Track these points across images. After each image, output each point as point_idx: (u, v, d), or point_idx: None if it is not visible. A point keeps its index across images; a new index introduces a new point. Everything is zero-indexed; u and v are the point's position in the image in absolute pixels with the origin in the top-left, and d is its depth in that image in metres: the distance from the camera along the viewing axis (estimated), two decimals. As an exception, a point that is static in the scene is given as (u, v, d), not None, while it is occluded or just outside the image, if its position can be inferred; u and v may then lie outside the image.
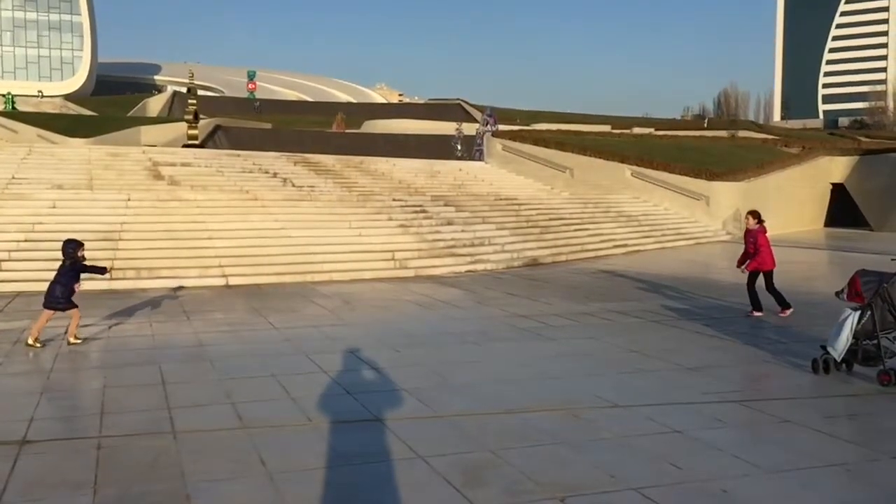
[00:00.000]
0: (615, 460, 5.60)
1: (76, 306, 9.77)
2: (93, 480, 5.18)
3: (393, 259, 17.68)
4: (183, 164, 22.80)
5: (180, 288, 14.56)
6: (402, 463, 5.51)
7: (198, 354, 9.19)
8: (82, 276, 10.01)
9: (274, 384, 7.72)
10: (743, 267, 12.22)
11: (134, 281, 14.89)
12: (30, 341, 9.44)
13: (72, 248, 9.75)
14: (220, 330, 10.82)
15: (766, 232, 12.44)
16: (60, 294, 9.61)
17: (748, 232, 12.39)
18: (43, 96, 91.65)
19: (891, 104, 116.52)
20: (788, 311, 11.98)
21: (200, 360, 8.89)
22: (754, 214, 12.52)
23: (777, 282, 12.27)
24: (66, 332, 9.88)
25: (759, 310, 12.06)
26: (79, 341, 9.70)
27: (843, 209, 36.39)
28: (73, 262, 9.74)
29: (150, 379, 7.92)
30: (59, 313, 9.70)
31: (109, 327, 10.91)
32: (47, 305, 9.65)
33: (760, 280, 12.24)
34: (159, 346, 9.64)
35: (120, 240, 16.40)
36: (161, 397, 7.21)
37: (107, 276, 9.77)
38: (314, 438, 6.05)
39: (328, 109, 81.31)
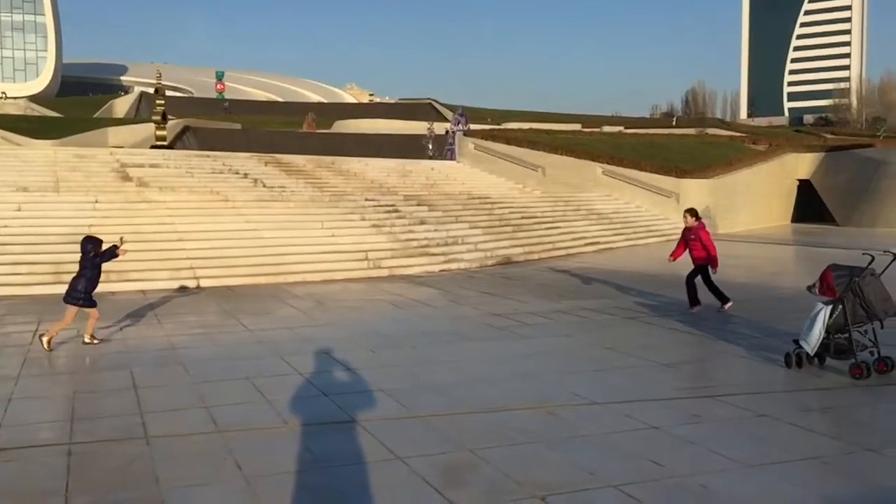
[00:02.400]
0: (594, 458, 5.60)
1: (95, 304, 9.72)
2: (64, 488, 5.06)
3: (366, 259, 17.59)
4: (151, 166, 22.50)
5: (151, 291, 14.35)
6: (380, 465, 5.45)
7: (170, 358, 9.06)
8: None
9: (248, 387, 7.62)
10: (710, 269, 12.27)
11: (103, 284, 14.41)
12: (87, 339, 9.58)
13: (91, 245, 9.72)
14: (192, 333, 10.68)
15: (706, 226, 12.56)
16: (83, 288, 9.59)
17: (687, 230, 12.43)
18: (6, 97, 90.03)
19: (854, 101, 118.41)
20: (697, 308, 12.09)
21: (173, 364, 8.76)
22: (692, 212, 12.61)
23: (746, 277, 12.41)
24: (36, 335, 9.69)
25: (697, 303, 12.12)
26: (95, 342, 9.63)
27: (809, 205, 36.92)
28: (95, 255, 9.71)
29: (122, 384, 7.77)
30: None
31: (79, 332, 10.68)
32: (69, 300, 9.60)
33: (725, 276, 12.33)
34: (130, 350, 9.49)
35: (88, 243, 16.12)
36: (133, 402, 7.07)
37: (122, 254, 9.95)
38: (290, 441, 5.97)
39: (298, 110, 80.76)
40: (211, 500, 4.91)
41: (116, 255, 10.06)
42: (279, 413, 6.73)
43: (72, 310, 9.61)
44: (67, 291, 9.69)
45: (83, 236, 9.98)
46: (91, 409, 6.88)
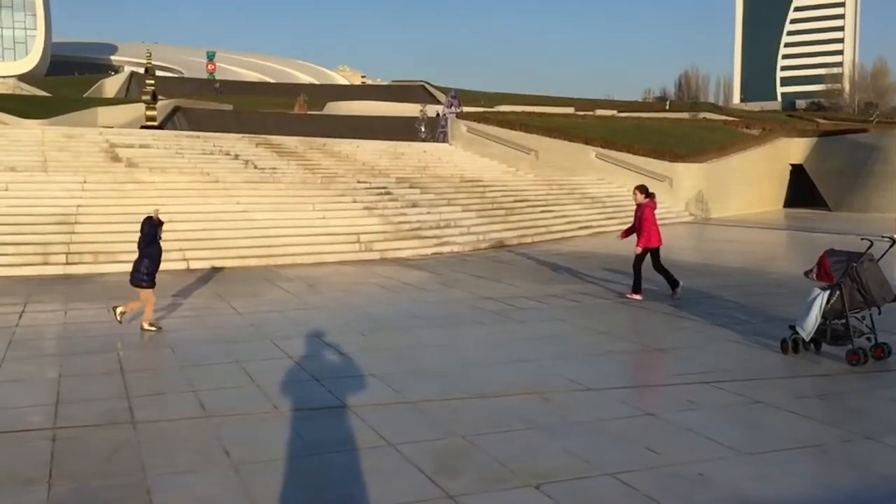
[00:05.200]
0: (590, 445, 5.50)
1: (154, 286, 9.56)
2: (47, 475, 4.93)
3: (358, 242, 17.45)
4: (141, 146, 22.25)
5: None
6: (371, 451, 5.34)
7: (159, 340, 8.94)
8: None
9: (238, 371, 7.50)
10: (637, 247, 11.86)
11: (91, 265, 14.50)
12: (144, 325, 9.37)
13: (149, 226, 9.54)
14: (181, 315, 10.53)
15: (655, 207, 12.08)
16: (146, 269, 9.43)
17: (637, 207, 12.04)
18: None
19: (847, 86, 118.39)
20: (678, 290, 11.77)
21: (161, 347, 8.63)
22: (642, 189, 12.17)
23: (740, 262, 12.27)
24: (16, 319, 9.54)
25: (639, 292, 11.76)
26: (153, 329, 9.39)
27: (801, 190, 36.91)
28: (147, 234, 9.54)
29: (109, 367, 7.64)
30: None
31: (66, 313, 10.57)
32: (135, 283, 9.47)
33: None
34: (118, 332, 9.32)
35: (76, 223, 15.95)
36: (120, 386, 6.94)
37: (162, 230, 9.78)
38: (280, 427, 5.86)
39: (290, 91, 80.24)
40: (198, 487, 4.79)
41: (160, 224, 9.84)
42: (269, 398, 6.61)
43: (146, 292, 9.47)
44: (132, 274, 9.55)
45: (144, 216, 9.80)
46: (77, 393, 6.74)
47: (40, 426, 5.88)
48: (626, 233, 12.47)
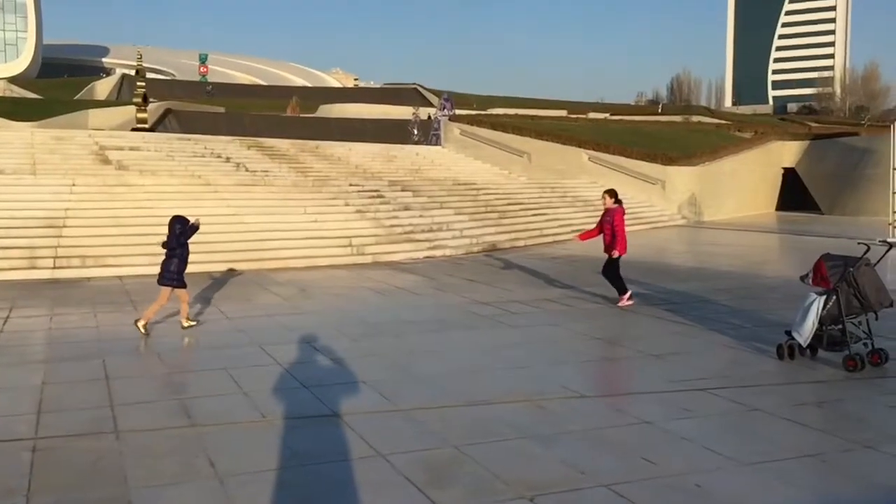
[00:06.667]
0: (584, 455, 5.38)
1: (186, 285, 9.69)
2: (26, 487, 4.78)
3: (350, 245, 17.31)
4: (131, 149, 22.06)
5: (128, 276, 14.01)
6: (361, 462, 5.21)
7: (145, 347, 8.76)
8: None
9: (226, 378, 7.35)
10: (614, 253, 11.41)
11: (79, 269, 14.30)
12: (184, 324, 9.57)
13: (180, 225, 9.58)
14: (169, 321, 10.34)
15: (624, 213, 11.77)
16: (175, 269, 9.50)
17: (606, 212, 11.70)
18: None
19: (838, 90, 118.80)
20: (627, 297, 11.40)
21: (148, 354, 8.48)
22: (611, 193, 11.80)
23: (732, 265, 12.13)
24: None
25: (626, 292, 11.48)
26: (193, 323, 9.57)
27: (794, 193, 36.91)
28: (182, 234, 9.58)
29: (94, 374, 7.48)
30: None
31: (51, 318, 10.40)
32: (164, 282, 9.50)
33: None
34: (104, 338, 9.18)
35: (64, 227, 15.76)
36: (104, 394, 6.79)
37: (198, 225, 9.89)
38: (268, 437, 5.71)
39: (283, 94, 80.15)
40: (181, 500, 4.65)
41: (197, 228, 9.86)
42: (257, 406, 6.47)
43: (166, 291, 9.52)
44: (161, 273, 9.58)
45: (172, 216, 9.80)
46: (59, 401, 6.58)
47: (21, 436, 5.72)
48: (587, 235, 12.10)
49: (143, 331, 9.25)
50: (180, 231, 9.57)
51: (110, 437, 5.68)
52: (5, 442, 5.62)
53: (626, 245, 11.67)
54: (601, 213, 12.10)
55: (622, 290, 11.53)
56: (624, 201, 12.11)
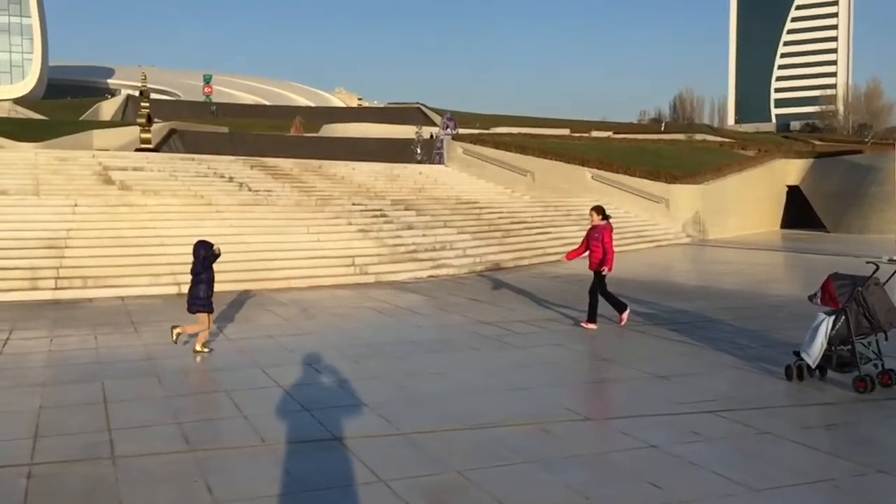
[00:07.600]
0: (590, 480, 5.26)
1: (213, 310, 9.73)
2: (20, 515, 4.68)
3: (352, 265, 17.23)
4: (135, 169, 22.07)
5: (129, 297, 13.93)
6: (362, 488, 5.10)
7: (145, 369, 8.66)
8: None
9: (226, 401, 7.25)
10: (604, 269, 11.21)
11: (80, 290, 14.23)
12: (197, 347, 9.48)
13: (204, 250, 9.61)
14: (169, 342, 10.25)
15: (612, 230, 11.52)
16: (204, 294, 9.52)
17: (593, 228, 11.45)
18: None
19: (841, 108, 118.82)
20: (593, 326, 11.11)
21: (147, 376, 8.37)
22: (598, 210, 11.58)
23: (738, 284, 12.01)
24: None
25: (625, 307, 11.35)
26: (206, 351, 9.48)
27: (798, 211, 36.79)
28: (206, 259, 9.60)
29: (92, 397, 7.38)
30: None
31: (52, 340, 10.31)
32: (194, 310, 9.54)
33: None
34: (104, 360, 9.08)
35: (66, 247, 15.70)
36: (102, 418, 6.69)
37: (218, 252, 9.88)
38: (268, 462, 5.60)
39: (286, 113, 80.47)
40: (178, 528, 4.54)
41: (218, 256, 9.87)
42: (256, 430, 6.36)
43: (203, 316, 9.55)
44: (190, 301, 9.60)
45: (196, 240, 9.81)
46: (56, 426, 6.48)
47: (16, 461, 5.62)
48: (574, 254, 11.88)
49: (205, 351, 9.43)
50: (205, 255, 9.57)
51: (107, 463, 5.57)
52: (0, 468, 5.51)
53: (614, 262, 11.46)
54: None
55: (621, 307, 11.40)
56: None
